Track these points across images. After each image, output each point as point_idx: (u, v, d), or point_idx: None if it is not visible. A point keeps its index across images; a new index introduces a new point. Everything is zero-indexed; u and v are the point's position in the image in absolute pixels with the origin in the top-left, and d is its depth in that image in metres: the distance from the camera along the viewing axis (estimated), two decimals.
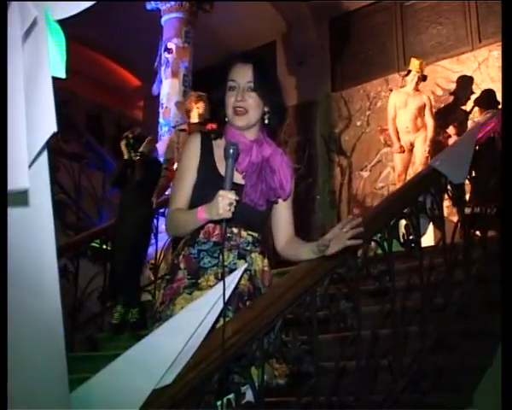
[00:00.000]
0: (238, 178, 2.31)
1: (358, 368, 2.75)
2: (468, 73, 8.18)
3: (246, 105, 2.37)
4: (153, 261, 6.56)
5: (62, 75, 1.31)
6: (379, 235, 3.03)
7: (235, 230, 2.34)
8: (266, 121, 2.44)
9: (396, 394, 2.89)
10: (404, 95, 7.57)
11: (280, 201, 2.45)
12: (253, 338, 2.20)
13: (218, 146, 2.41)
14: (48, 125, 1.13)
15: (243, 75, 2.40)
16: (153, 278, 6.37)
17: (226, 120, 2.43)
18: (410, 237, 3.28)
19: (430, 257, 3.44)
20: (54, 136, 1.16)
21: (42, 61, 1.15)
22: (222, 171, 2.28)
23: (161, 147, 7.65)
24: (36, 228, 1.13)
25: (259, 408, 2.18)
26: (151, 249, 6.61)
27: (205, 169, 2.39)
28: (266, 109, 2.43)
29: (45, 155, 1.15)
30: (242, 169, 2.33)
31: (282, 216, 2.50)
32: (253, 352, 2.21)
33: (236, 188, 2.20)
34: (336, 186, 9.14)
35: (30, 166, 1.11)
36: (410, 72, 7.51)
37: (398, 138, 7.52)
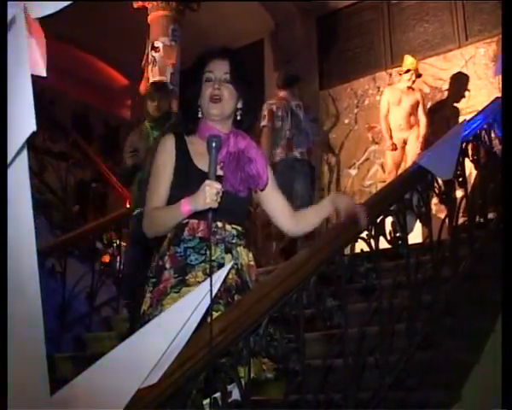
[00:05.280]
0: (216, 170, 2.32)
1: (345, 366, 2.75)
2: (455, 71, 8.19)
3: (221, 94, 2.42)
4: None
5: (43, 73, 1.30)
6: (366, 232, 3.03)
7: (219, 224, 2.36)
8: (238, 117, 2.50)
9: (383, 391, 2.90)
10: (398, 92, 7.52)
11: (266, 189, 2.51)
12: (240, 337, 2.20)
13: (192, 143, 2.46)
14: (27, 124, 1.12)
15: (220, 67, 2.47)
16: None
17: (199, 116, 2.47)
18: (397, 235, 3.28)
19: (417, 254, 3.45)
20: (34, 134, 1.15)
21: (21, 59, 1.14)
22: (200, 165, 2.32)
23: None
24: (15, 226, 1.12)
25: (246, 407, 2.18)
26: None
27: (182, 167, 2.41)
28: (239, 106, 2.49)
29: (25, 153, 1.14)
30: (220, 159, 2.34)
31: (275, 199, 2.56)
32: (240, 350, 2.21)
33: (216, 179, 2.22)
34: (324, 184, 9.12)
35: (9, 164, 1.10)
36: (408, 70, 7.47)
37: (391, 136, 7.47)
